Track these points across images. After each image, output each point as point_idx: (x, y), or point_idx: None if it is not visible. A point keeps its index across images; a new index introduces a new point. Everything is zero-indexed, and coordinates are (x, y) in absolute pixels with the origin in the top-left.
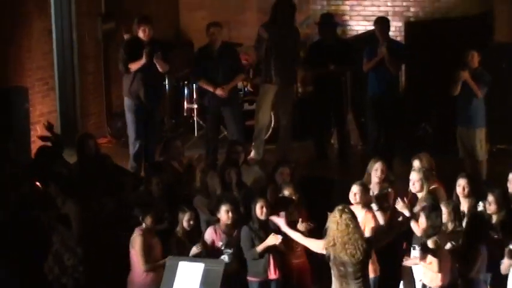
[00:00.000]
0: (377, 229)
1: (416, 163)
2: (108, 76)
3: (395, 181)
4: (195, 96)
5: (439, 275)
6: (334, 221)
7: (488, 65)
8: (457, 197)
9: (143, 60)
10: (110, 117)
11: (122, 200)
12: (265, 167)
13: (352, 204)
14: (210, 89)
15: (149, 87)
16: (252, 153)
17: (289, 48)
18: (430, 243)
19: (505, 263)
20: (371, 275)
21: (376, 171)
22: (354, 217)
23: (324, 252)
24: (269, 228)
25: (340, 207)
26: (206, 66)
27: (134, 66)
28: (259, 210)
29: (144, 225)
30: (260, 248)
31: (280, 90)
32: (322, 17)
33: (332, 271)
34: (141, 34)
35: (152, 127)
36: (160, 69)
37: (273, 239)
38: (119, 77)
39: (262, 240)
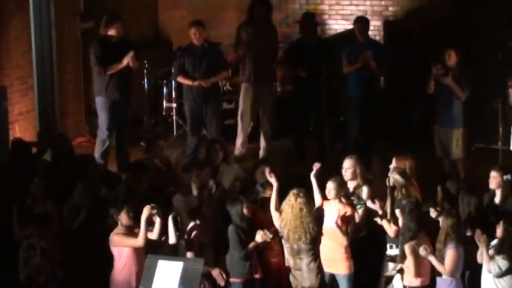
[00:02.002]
0: (353, 222)
1: (397, 163)
2: (87, 75)
3: (373, 179)
4: (174, 95)
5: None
6: (289, 204)
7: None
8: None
9: (125, 61)
10: (89, 116)
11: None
12: (245, 165)
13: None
14: (190, 82)
15: (124, 85)
16: (236, 152)
17: (266, 47)
18: (407, 248)
19: (479, 252)
20: (344, 271)
21: (345, 169)
22: (308, 201)
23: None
24: (255, 225)
25: (295, 191)
26: (188, 64)
27: (113, 70)
28: (246, 210)
29: (119, 224)
30: (251, 246)
31: (259, 88)
32: (304, 16)
33: (285, 248)
34: (113, 32)
35: (126, 125)
36: (132, 66)
37: (263, 236)
38: None
39: (251, 238)
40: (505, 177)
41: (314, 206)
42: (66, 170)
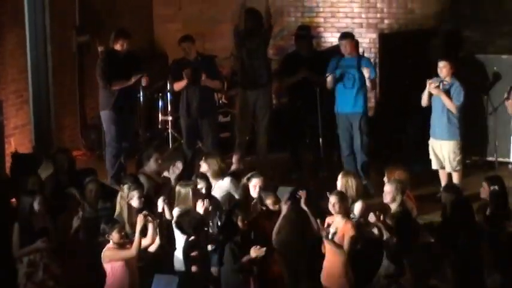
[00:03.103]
0: (356, 239)
1: (389, 175)
2: (83, 88)
3: (373, 193)
4: (169, 108)
5: None
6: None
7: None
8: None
9: (133, 80)
10: (85, 129)
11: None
12: (238, 178)
13: (332, 214)
14: (184, 82)
15: (130, 99)
16: (233, 165)
17: (260, 54)
18: None
19: None
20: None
21: (340, 185)
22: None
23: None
24: (250, 239)
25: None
26: (183, 77)
27: (119, 86)
28: (241, 223)
29: (111, 242)
30: (244, 260)
31: (255, 94)
32: (299, 28)
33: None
34: (118, 47)
35: (131, 137)
36: (145, 85)
37: (256, 252)
38: (94, 90)
39: (246, 252)
40: (492, 187)
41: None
42: (68, 184)
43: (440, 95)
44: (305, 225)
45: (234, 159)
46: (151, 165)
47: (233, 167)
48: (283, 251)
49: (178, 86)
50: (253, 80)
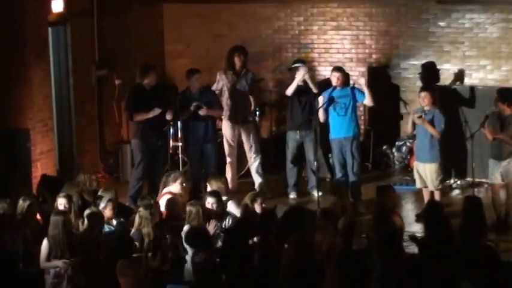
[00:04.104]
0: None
1: (378, 194)
2: (101, 117)
3: (364, 212)
4: (179, 135)
5: None
6: None
7: (443, 105)
8: None
9: (151, 114)
10: (103, 154)
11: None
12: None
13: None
14: (192, 108)
15: (158, 129)
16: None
17: (242, 90)
18: None
19: None
20: None
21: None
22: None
23: None
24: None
25: None
26: (188, 105)
27: (140, 117)
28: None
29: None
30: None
31: (238, 127)
32: (294, 62)
33: None
34: (148, 81)
35: (159, 167)
36: (168, 118)
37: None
38: (111, 118)
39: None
40: (467, 205)
41: None
42: (92, 203)
43: (423, 124)
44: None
45: (228, 178)
46: (176, 187)
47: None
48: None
49: (187, 111)
50: (236, 112)
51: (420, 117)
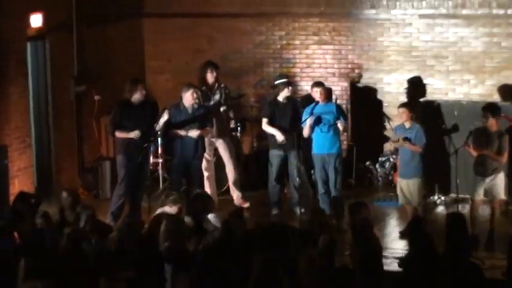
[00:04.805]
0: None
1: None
2: (80, 134)
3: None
4: (160, 151)
5: None
6: None
7: (426, 120)
8: None
9: (132, 135)
10: (82, 171)
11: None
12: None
13: None
14: (183, 133)
15: (142, 146)
16: None
17: (217, 105)
18: None
19: None
20: None
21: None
22: None
23: None
24: None
25: None
26: (180, 121)
27: (121, 135)
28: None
29: None
30: None
31: (214, 142)
32: (276, 78)
33: None
34: (138, 96)
35: (143, 184)
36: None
37: None
38: (90, 135)
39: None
40: (448, 221)
41: None
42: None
43: (404, 145)
44: None
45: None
46: (173, 210)
47: None
48: None
49: (178, 133)
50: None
51: (397, 140)
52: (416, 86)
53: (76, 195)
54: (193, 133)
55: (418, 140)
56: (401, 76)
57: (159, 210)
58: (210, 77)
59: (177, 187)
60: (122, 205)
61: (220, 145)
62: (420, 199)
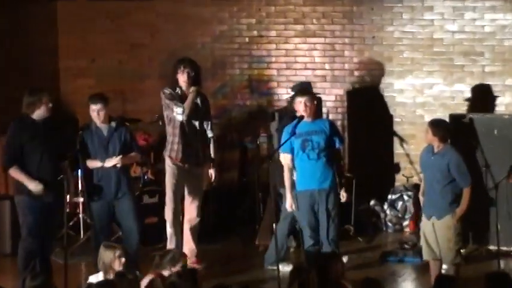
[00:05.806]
0: None
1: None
2: None
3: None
4: (80, 187)
5: None
6: None
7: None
8: None
9: (31, 186)
10: None
11: None
12: None
13: None
14: (98, 164)
15: (50, 180)
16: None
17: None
18: None
19: None
20: None
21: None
22: None
23: None
24: None
25: None
26: (92, 148)
27: (16, 176)
28: None
29: None
30: None
31: (188, 171)
32: (294, 87)
33: None
34: (38, 112)
35: (53, 232)
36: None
37: None
38: None
39: None
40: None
41: None
42: None
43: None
44: None
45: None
46: (116, 265)
47: None
48: None
49: (91, 164)
50: (189, 151)
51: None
52: (440, 95)
53: None
54: (109, 163)
55: (461, 179)
56: (418, 80)
57: (147, 278)
58: (182, 80)
59: (104, 236)
60: (34, 266)
61: (193, 176)
62: (454, 251)
